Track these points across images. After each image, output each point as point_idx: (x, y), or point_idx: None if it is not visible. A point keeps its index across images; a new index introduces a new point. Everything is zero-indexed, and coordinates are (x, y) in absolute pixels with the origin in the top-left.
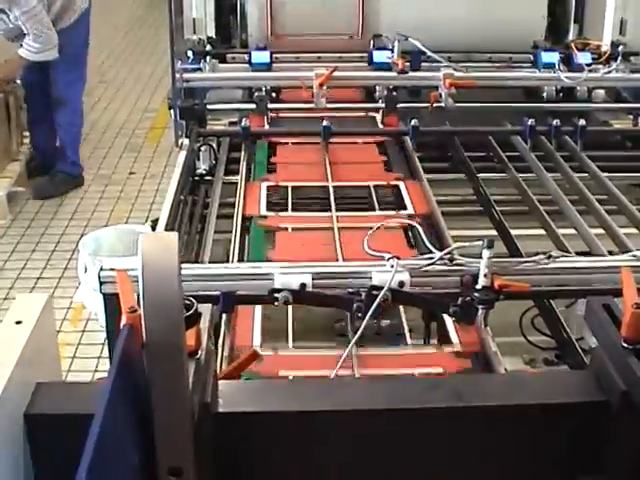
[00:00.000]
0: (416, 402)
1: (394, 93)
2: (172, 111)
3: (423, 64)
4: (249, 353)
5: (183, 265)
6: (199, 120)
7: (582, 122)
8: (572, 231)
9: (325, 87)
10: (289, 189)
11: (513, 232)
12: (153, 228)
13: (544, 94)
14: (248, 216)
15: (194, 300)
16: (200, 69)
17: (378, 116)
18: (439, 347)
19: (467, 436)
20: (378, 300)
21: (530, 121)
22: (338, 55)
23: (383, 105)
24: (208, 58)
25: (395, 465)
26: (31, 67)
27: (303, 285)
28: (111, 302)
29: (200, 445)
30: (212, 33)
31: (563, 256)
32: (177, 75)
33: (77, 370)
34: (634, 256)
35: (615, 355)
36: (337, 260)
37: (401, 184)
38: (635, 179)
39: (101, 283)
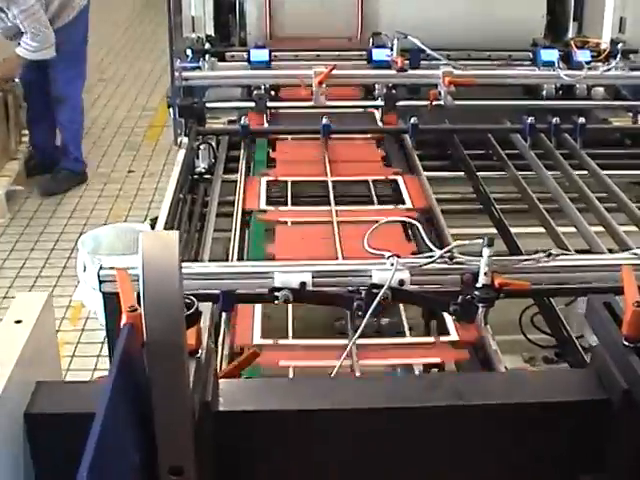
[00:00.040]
0: (416, 400)
1: (393, 91)
2: (171, 109)
3: (422, 62)
4: (249, 352)
5: (183, 264)
6: (198, 118)
7: (581, 120)
8: (572, 229)
9: (324, 85)
10: (289, 184)
11: (513, 230)
12: (152, 226)
13: (543, 92)
14: (248, 210)
15: (194, 299)
16: (199, 67)
17: (377, 114)
18: (437, 338)
19: (467, 435)
20: (378, 298)
21: (529, 119)
22: (337, 53)
23: (382, 103)
24: (207, 56)
25: (395, 463)
26: (30, 65)
27: (303, 284)
28: (110, 301)
29: (201, 444)
30: (211, 31)
31: (563, 254)
32: (176, 73)
33: (76, 369)
34: (634, 254)
35: (616, 353)
36: (336, 254)
37: (399, 178)
38: (635, 177)
39: (100, 282)
